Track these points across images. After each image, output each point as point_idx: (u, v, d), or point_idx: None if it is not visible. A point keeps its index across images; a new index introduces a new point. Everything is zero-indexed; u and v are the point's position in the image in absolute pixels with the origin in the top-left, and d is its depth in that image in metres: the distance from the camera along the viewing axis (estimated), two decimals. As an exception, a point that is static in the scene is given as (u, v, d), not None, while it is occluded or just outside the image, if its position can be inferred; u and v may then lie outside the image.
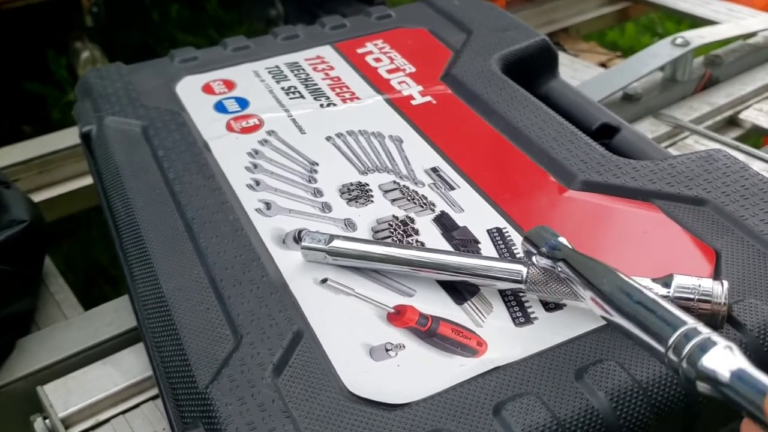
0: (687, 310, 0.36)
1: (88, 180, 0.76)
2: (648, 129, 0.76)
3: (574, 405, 0.34)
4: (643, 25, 1.93)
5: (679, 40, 0.81)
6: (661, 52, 0.80)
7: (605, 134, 0.57)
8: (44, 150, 0.76)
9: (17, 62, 1.45)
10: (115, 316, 0.56)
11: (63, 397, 0.50)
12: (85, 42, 1.27)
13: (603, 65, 0.97)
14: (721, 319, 0.37)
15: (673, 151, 0.74)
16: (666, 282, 0.37)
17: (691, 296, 0.37)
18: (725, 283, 0.37)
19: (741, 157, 0.70)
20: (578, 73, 0.87)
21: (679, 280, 0.37)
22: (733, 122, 0.80)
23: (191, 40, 1.83)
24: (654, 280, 0.38)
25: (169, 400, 0.39)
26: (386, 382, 0.36)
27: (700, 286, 0.37)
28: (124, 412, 0.50)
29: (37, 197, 0.73)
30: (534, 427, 0.33)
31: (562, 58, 0.93)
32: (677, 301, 0.36)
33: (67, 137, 0.77)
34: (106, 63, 1.27)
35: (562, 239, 0.39)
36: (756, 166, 0.70)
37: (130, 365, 0.51)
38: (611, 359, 0.36)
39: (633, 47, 1.81)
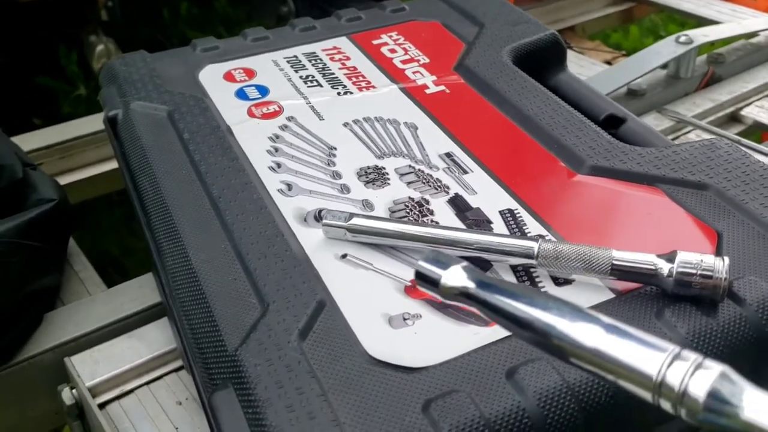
0: (689, 285, 0.39)
1: (108, 165, 0.78)
2: (652, 123, 0.78)
3: (580, 372, 0.36)
4: (647, 28, 1.95)
5: (682, 38, 0.83)
6: (665, 50, 0.82)
7: (611, 125, 0.59)
8: (65, 136, 0.78)
9: (28, 57, 1.48)
10: (138, 292, 0.58)
11: (90, 368, 0.52)
12: (99, 36, 1.30)
13: (608, 63, 0.99)
14: (722, 293, 0.39)
15: (676, 144, 0.76)
16: (670, 258, 0.39)
17: (694, 271, 0.39)
18: (726, 259, 0.39)
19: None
20: (584, 69, 0.90)
21: (682, 256, 0.39)
22: (734, 118, 0.83)
23: (200, 37, 1.85)
24: (659, 255, 0.40)
25: (197, 365, 0.41)
26: (405, 348, 0.38)
27: (702, 261, 0.39)
28: (148, 383, 0.52)
29: (59, 181, 0.75)
30: (546, 389, 0.35)
31: (569, 55, 0.95)
32: (680, 277, 0.39)
33: (88, 124, 0.80)
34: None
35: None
36: (757, 159, 0.72)
37: (154, 339, 0.54)
38: (618, 329, 0.38)
39: (636, 49, 1.84)
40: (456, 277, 0.34)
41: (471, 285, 0.33)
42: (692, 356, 0.27)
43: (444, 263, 0.34)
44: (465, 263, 0.34)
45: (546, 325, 0.30)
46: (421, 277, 0.35)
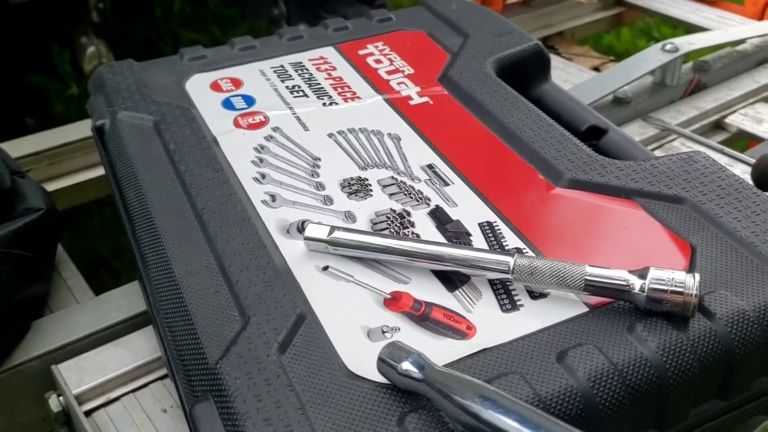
0: (660, 301, 0.40)
1: (97, 172, 0.79)
2: (636, 131, 0.79)
3: (555, 384, 0.37)
4: (639, 30, 1.96)
5: (668, 46, 0.84)
6: (651, 58, 0.83)
7: (593, 135, 0.60)
8: (54, 142, 0.78)
9: (21, 56, 1.48)
10: (125, 300, 0.59)
11: (76, 375, 0.53)
12: (90, 37, 1.30)
13: (596, 69, 1.00)
14: (692, 310, 0.40)
15: (660, 153, 0.77)
16: (642, 274, 0.40)
17: (665, 288, 0.40)
18: (697, 276, 0.40)
19: (724, 159, 0.74)
20: (571, 76, 0.91)
21: (654, 273, 0.40)
22: (719, 126, 0.84)
23: (193, 37, 1.86)
24: (630, 272, 0.41)
25: (180, 376, 0.42)
26: (382, 362, 0.39)
27: (673, 278, 0.40)
28: (133, 391, 0.53)
29: (48, 187, 0.76)
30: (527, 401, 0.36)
31: (557, 62, 0.96)
32: (652, 293, 0.39)
33: (77, 130, 0.80)
34: (111, 58, 1.30)
35: (423, 355, 0.37)
36: (739, 168, 0.73)
37: (140, 347, 0.54)
38: (590, 343, 0.39)
39: (629, 51, 1.85)
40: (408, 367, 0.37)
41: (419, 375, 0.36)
42: None
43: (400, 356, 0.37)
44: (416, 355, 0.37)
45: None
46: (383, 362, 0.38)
